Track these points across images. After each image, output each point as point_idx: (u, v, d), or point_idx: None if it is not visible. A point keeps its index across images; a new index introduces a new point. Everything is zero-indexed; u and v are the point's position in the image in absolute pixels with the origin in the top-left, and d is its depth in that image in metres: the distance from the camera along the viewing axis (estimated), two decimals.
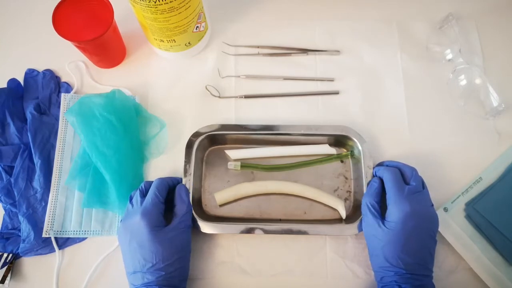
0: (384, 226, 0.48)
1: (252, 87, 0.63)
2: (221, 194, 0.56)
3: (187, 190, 0.53)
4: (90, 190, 0.55)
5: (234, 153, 0.58)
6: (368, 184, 0.53)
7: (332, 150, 0.58)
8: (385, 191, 0.51)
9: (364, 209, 0.51)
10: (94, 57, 0.62)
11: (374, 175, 0.54)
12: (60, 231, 0.55)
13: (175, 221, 0.49)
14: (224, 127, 0.57)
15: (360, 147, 0.56)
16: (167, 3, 0.51)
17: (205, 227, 0.52)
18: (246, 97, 0.62)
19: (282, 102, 0.62)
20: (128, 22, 0.62)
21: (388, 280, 0.47)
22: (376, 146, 0.59)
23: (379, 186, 0.52)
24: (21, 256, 0.55)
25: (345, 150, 0.59)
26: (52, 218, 0.55)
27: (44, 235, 0.55)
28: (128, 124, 0.57)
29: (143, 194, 0.51)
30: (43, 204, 0.56)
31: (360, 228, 0.52)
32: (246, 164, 0.58)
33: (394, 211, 0.47)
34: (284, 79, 0.63)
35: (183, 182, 0.54)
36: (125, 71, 0.64)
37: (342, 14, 0.67)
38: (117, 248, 0.55)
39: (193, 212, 0.53)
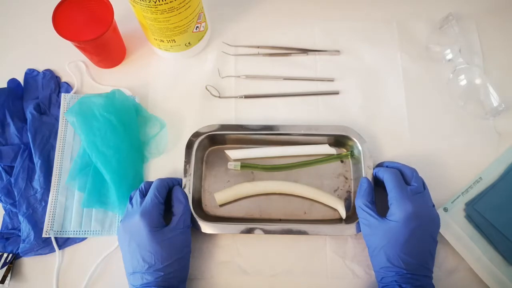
0: (385, 224, 0.48)
1: (252, 87, 0.63)
2: (221, 194, 0.56)
3: (183, 192, 0.53)
4: (90, 190, 0.55)
5: (234, 153, 0.58)
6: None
7: (332, 150, 0.58)
8: (378, 190, 0.51)
9: (360, 210, 0.51)
10: (94, 57, 0.62)
11: (374, 176, 0.54)
12: (60, 231, 0.55)
13: (173, 222, 0.49)
14: (224, 127, 0.57)
15: (360, 147, 0.56)
16: (167, 3, 0.51)
17: (205, 227, 0.52)
18: (246, 97, 0.62)
19: (282, 102, 0.62)
20: (128, 22, 0.62)
21: (389, 280, 0.47)
22: (376, 146, 0.59)
23: (368, 185, 0.52)
24: (21, 256, 0.55)
25: (345, 150, 0.59)
26: (52, 218, 0.55)
27: (44, 235, 0.55)
28: (128, 124, 0.57)
29: (143, 195, 0.51)
30: (43, 204, 0.56)
31: (360, 228, 0.52)
32: (246, 164, 0.58)
33: (397, 211, 0.47)
34: (284, 79, 0.63)
35: (183, 182, 0.54)
36: (125, 71, 0.64)
37: (342, 14, 0.67)
38: (117, 248, 0.55)
39: (193, 212, 0.53)
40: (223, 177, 0.58)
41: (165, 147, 0.59)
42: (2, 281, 0.53)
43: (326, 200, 0.56)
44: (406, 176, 0.51)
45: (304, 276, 0.54)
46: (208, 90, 0.62)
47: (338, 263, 0.54)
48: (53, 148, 0.59)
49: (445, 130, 0.60)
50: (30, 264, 0.55)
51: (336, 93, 0.62)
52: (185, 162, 0.55)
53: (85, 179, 0.56)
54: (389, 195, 0.50)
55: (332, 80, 0.63)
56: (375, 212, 0.49)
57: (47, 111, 0.61)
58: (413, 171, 0.51)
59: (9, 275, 0.53)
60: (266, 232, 0.52)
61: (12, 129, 0.59)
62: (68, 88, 0.63)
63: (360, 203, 0.51)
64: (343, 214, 0.55)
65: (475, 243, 0.53)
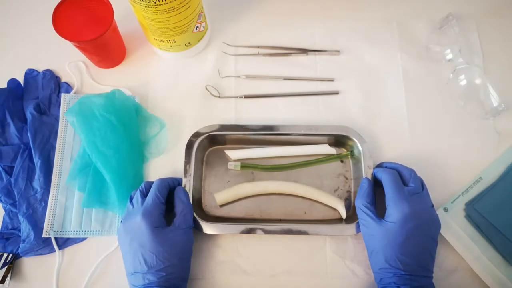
0: (382, 225, 0.48)
1: (252, 87, 0.63)
2: (221, 194, 0.56)
3: (185, 192, 0.53)
4: (90, 190, 0.55)
5: (234, 153, 0.58)
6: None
7: (332, 150, 0.58)
8: (378, 191, 0.51)
9: (359, 211, 0.51)
10: (94, 57, 0.62)
11: (374, 176, 0.54)
12: (60, 231, 0.55)
13: (176, 222, 0.49)
14: (224, 127, 0.57)
15: (360, 147, 0.56)
16: (167, 3, 0.51)
17: (206, 228, 0.52)
18: (246, 97, 0.62)
19: (282, 102, 0.62)
20: (128, 22, 0.62)
21: (387, 281, 0.47)
22: (376, 146, 0.59)
23: (368, 186, 0.52)
24: (21, 256, 0.55)
25: (345, 150, 0.59)
26: (52, 218, 0.55)
27: (44, 235, 0.55)
28: (128, 124, 0.57)
29: (144, 195, 0.51)
30: (43, 204, 0.56)
31: (360, 228, 0.52)
32: (246, 164, 0.58)
33: (393, 212, 0.47)
34: (284, 79, 0.63)
35: (183, 183, 0.54)
36: (125, 71, 0.64)
37: (342, 14, 0.67)
38: (117, 248, 0.55)
39: (194, 212, 0.52)
40: (223, 177, 0.58)
41: (165, 147, 0.59)
42: (2, 281, 0.53)
43: (326, 200, 0.56)
44: (404, 177, 0.51)
45: (304, 276, 0.54)
46: (208, 90, 0.62)
47: (338, 263, 0.54)
48: (53, 148, 0.58)
49: (445, 130, 0.60)
50: (30, 264, 0.55)
51: (336, 93, 0.62)
52: (185, 162, 0.55)
53: (85, 179, 0.56)
54: (386, 196, 0.50)
55: (332, 80, 0.63)
56: (373, 213, 0.49)
57: (47, 111, 0.61)
58: (411, 171, 0.51)
59: (9, 275, 0.53)
60: (266, 232, 0.52)
61: (12, 129, 0.59)
62: (68, 88, 0.63)
63: (360, 204, 0.51)
64: (343, 214, 0.55)
65: (475, 243, 0.53)
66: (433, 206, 0.50)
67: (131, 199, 0.52)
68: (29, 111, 0.59)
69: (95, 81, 0.63)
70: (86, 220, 0.56)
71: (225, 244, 0.55)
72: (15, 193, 0.56)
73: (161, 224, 0.49)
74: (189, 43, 0.61)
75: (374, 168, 0.54)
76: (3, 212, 0.57)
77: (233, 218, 0.56)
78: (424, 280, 0.47)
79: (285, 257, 0.55)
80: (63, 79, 0.64)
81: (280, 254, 0.55)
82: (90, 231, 0.55)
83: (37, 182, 0.57)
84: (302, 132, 0.57)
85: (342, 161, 0.58)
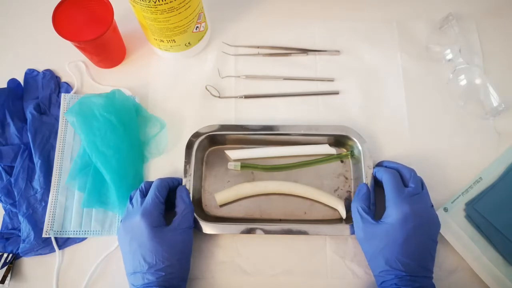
0: (380, 227, 0.48)
1: (252, 87, 0.63)
2: (221, 194, 0.56)
3: (187, 192, 0.53)
4: (90, 190, 0.55)
5: (234, 153, 0.58)
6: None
7: (332, 150, 0.58)
8: (378, 191, 0.51)
9: (356, 214, 0.50)
10: (94, 57, 0.62)
11: (374, 176, 0.54)
12: (60, 231, 0.55)
13: (175, 222, 0.49)
14: (224, 127, 0.57)
15: (360, 147, 0.56)
16: (167, 3, 0.51)
17: (206, 227, 0.52)
18: (246, 97, 0.62)
19: (282, 102, 0.62)
20: (128, 22, 0.62)
21: (389, 283, 0.47)
22: (376, 146, 0.59)
23: (367, 191, 0.52)
24: (21, 256, 0.55)
25: (345, 150, 0.59)
26: (52, 218, 0.55)
27: (44, 235, 0.55)
28: (128, 124, 0.57)
29: (143, 194, 0.51)
30: (43, 204, 0.56)
31: None
32: (246, 164, 0.58)
33: (393, 213, 0.47)
34: (284, 79, 0.63)
35: (183, 183, 0.54)
36: (125, 71, 0.64)
37: (342, 14, 0.67)
38: (117, 248, 0.55)
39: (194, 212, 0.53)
40: (223, 177, 0.58)
41: (165, 147, 0.59)
42: (2, 281, 0.53)
43: (326, 200, 0.56)
44: (404, 177, 0.51)
45: (304, 276, 0.54)
46: (208, 90, 0.62)
47: (338, 263, 0.54)
48: (53, 148, 0.58)
49: (445, 130, 0.60)
50: (30, 264, 0.55)
51: (336, 93, 0.62)
52: (185, 162, 0.55)
53: (85, 179, 0.56)
54: (386, 197, 0.50)
55: (332, 80, 0.63)
56: (370, 216, 0.49)
57: (47, 111, 0.61)
58: (411, 171, 0.51)
59: (9, 275, 0.53)
60: (266, 232, 0.52)
61: (12, 129, 0.59)
62: (68, 88, 0.63)
63: (358, 205, 0.50)
64: (343, 214, 0.55)
65: (475, 243, 0.53)
66: (432, 206, 0.50)
67: (131, 199, 0.52)
68: (29, 111, 0.59)
69: (95, 81, 0.63)
70: (86, 220, 0.56)
71: (225, 244, 0.55)
72: (15, 193, 0.56)
73: (161, 224, 0.49)
74: (189, 43, 0.61)
75: (374, 167, 0.54)
76: (3, 212, 0.57)
77: (233, 218, 0.56)
78: (425, 281, 0.47)
79: (285, 257, 0.55)
80: (63, 79, 0.64)
81: (280, 254, 0.55)
82: (90, 231, 0.55)
83: (37, 182, 0.57)
84: (302, 132, 0.57)
85: (342, 161, 0.58)
